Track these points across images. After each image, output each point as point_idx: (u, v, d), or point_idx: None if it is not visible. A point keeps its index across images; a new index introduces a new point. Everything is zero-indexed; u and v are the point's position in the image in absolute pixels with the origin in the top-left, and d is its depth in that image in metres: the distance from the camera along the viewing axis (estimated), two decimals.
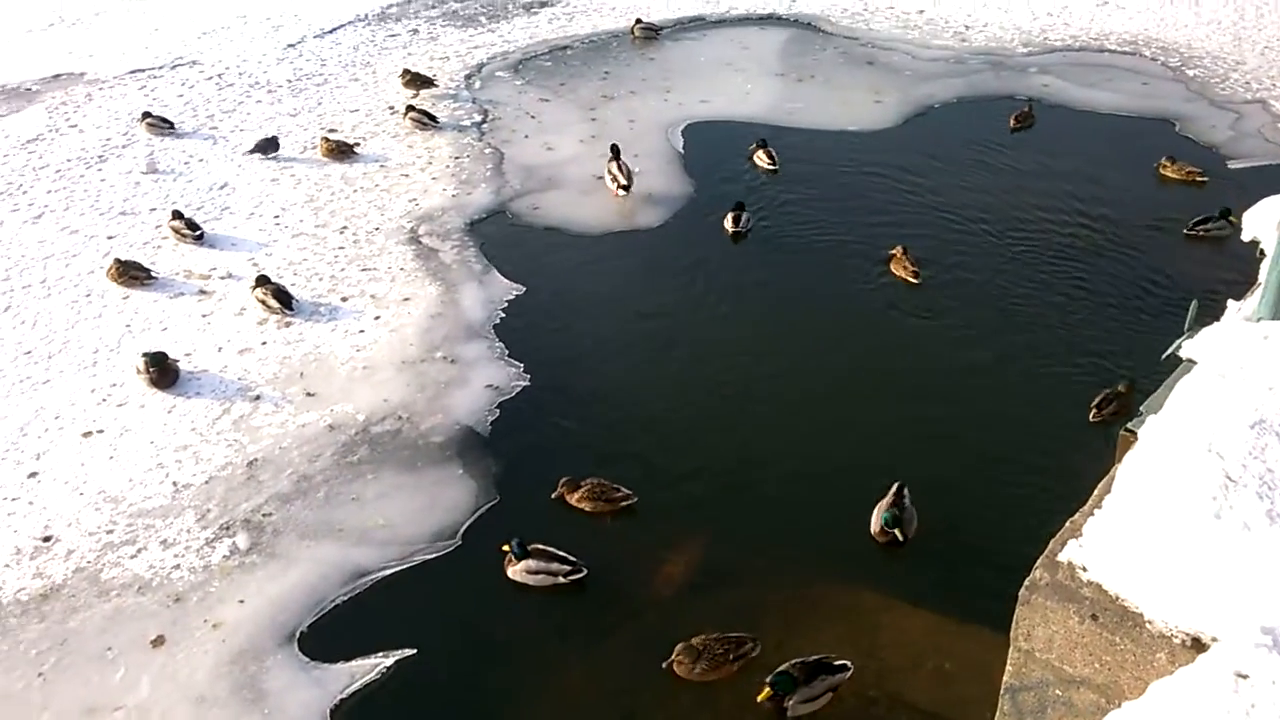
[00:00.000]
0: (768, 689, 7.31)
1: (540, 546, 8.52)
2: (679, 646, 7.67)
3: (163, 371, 10.52)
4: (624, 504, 9.21)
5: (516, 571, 8.45)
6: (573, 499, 9.16)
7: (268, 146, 15.19)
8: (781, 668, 7.44)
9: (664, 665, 7.64)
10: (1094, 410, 10.16)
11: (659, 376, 10.98)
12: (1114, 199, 14.34)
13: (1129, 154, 15.62)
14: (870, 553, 8.77)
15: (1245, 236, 7.01)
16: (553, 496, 9.15)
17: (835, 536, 8.93)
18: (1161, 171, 14.95)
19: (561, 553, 8.52)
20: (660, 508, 9.26)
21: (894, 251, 12.77)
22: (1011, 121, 16.36)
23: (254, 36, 20.06)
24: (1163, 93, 17.64)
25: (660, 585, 8.54)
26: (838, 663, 7.56)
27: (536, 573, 8.42)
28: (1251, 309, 5.22)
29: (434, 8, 21.73)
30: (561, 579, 8.43)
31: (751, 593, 8.41)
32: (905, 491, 8.95)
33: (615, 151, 14.45)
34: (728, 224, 13.57)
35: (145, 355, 10.58)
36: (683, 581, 8.58)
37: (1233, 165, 15.24)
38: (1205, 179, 14.72)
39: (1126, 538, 4.08)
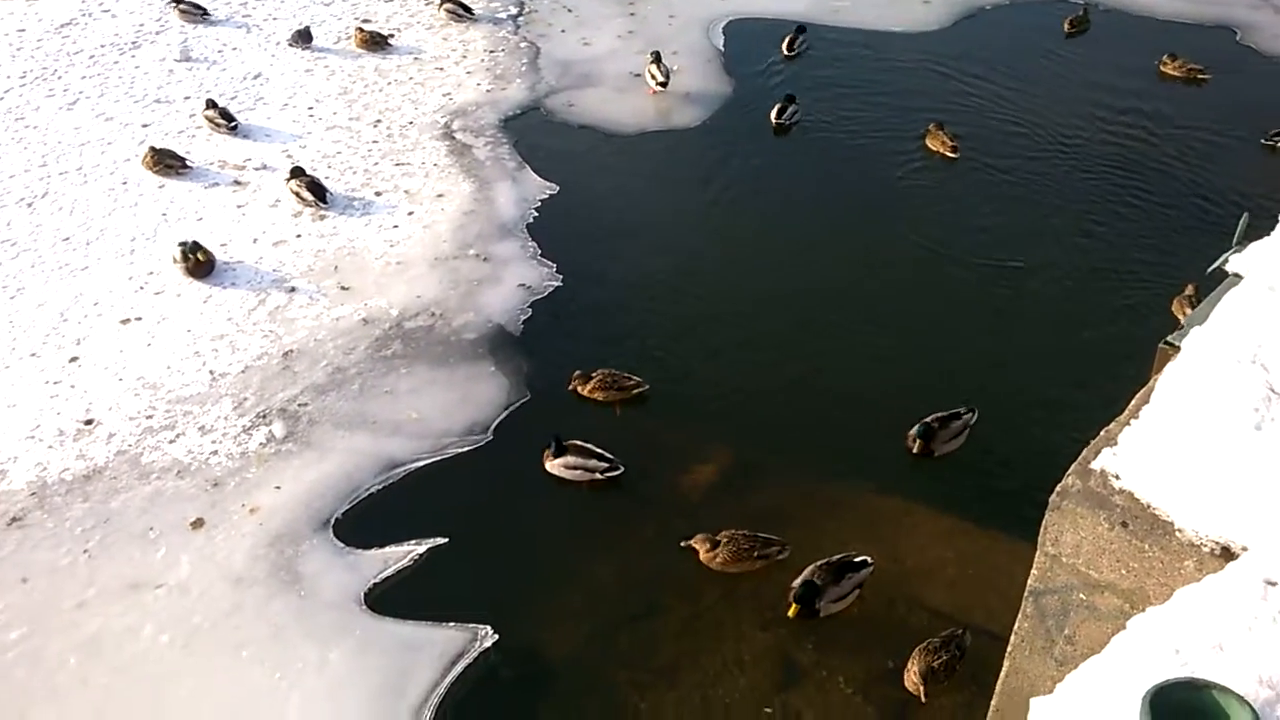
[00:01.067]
0: (794, 605, 7.38)
1: (578, 443, 8.63)
2: (699, 535, 7.82)
3: (199, 261, 10.59)
4: (636, 391, 9.33)
5: (555, 466, 8.58)
6: (585, 390, 9.26)
7: (302, 38, 14.94)
8: (803, 575, 7.55)
9: (681, 544, 7.78)
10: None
11: (693, 278, 10.93)
12: (1162, 108, 13.89)
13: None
14: (901, 460, 8.80)
15: None
16: (568, 389, 9.24)
17: (866, 442, 8.97)
18: (1161, 69, 14.66)
19: (598, 449, 8.62)
20: (693, 409, 9.32)
21: (929, 128, 12.82)
22: (1065, 25, 15.79)
23: None
24: None
25: (689, 486, 8.65)
26: (858, 559, 7.67)
27: (574, 468, 8.55)
28: None
29: None
30: (598, 475, 8.55)
31: (778, 495, 8.50)
32: (963, 414, 8.89)
33: (656, 56, 14.14)
34: (772, 115, 13.38)
35: (182, 244, 10.65)
36: (712, 482, 8.68)
37: None
38: (1207, 76, 14.43)
39: (1162, 447, 4.05)
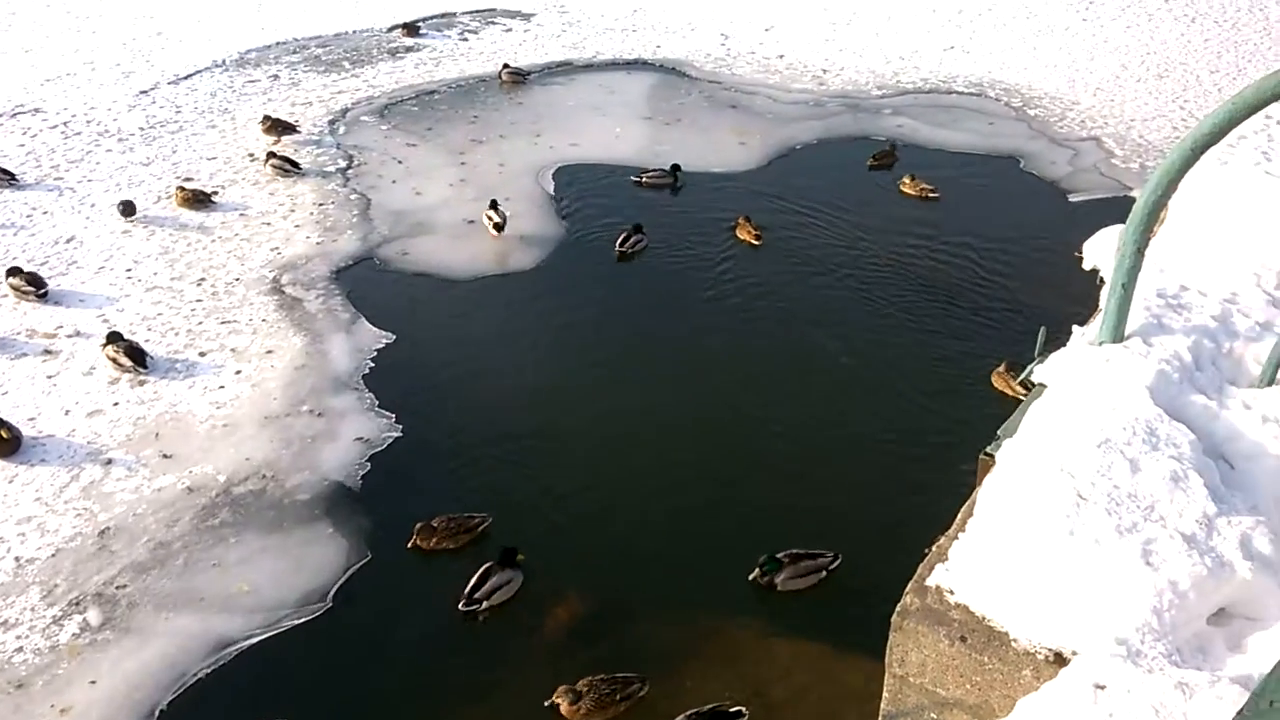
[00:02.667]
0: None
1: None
2: (560, 688, 7.55)
3: (1, 439, 9.83)
4: (482, 528, 9.12)
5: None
6: (431, 544, 8.96)
7: (126, 209, 14.16)
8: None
9: (545, 704, 7.47)
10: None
11: (536, 419, 10.85)
12: (967, 230, 15.01)
13: (979, 189, 16.42)
14: (751, 593, 8.78)
15: (1086, 265, 7.38)
16: (409, 547, 8.90)
17: (714, 577, 8.91)
18: (901, 188, 16.14)
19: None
20: (541, 554, 9.08)
21: (739, 220, 14.47)
22: (869, 160, 17.01)
23: (103, 83, 19.26)
24: (1007, 131, 18.62)
25: (547, 632, 8.37)
26: (732, 710, 7.53)
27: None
28: (1094, 333, 5.47)
29: (295, 53, 21.33)
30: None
31: (635, 635, 8.32)
32: (823, 557, 8.91)
33: (493, 203, 14.43)
34: (616, 243, 14.04)
35: None
36: (567, 628, 8.43)
37: (1073, 199, 16.15)
38: (937, 194, 15.92)
39: (989, 559, 4.17)
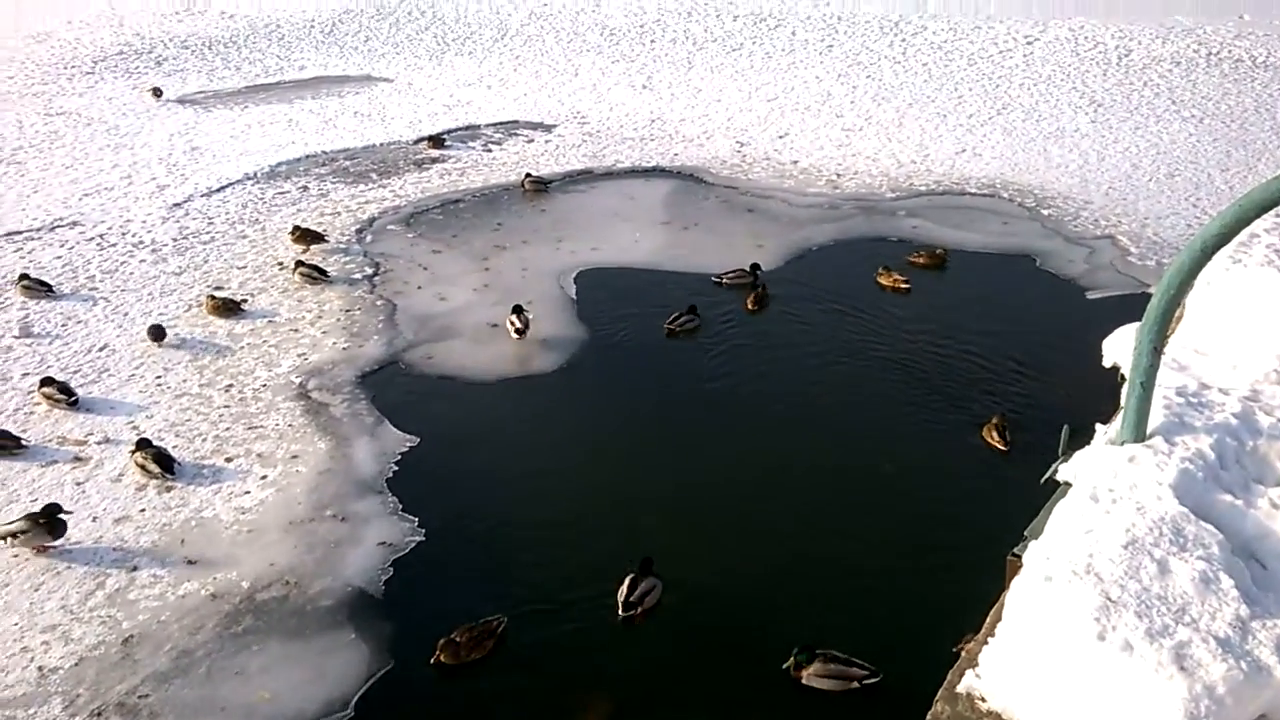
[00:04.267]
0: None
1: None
2: None
3: (52, 525, 10.00)
4: (500, 629, 9.08)
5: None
6: (459, 658, 8.80)
7: (156, 335, 14.12)
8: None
9: None
10: (997, 438, 11.98)
11: (556, 524, 10.82)
12: (986, 328, 15.10)
13: (996, 287, 16.59)
14: (784, 699, 8.62)
15: (1106, 363, 7.41)
16: (433, 663, 8.78)
17: (745, 681, 8.77)
18: (878, 279, 16.47)
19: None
20: (565, 663, 8.97)
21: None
22: (920, 258, 17.41)
23: (138, 197, 19.92)
24: (1022, 231, 18.88)
25: None
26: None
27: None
28: (1115, 432, 5.48)
29: (324, 165, 22.04)
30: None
31: None
32: (859, 670, 8.75)
33: (516, 308, 14.70)
34: (667, 321, 14.85)
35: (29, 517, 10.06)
36: None
37: (1091, 296, 16.26)
38: (909, 286, 16.26)
39: (1019, 664, 4.13)
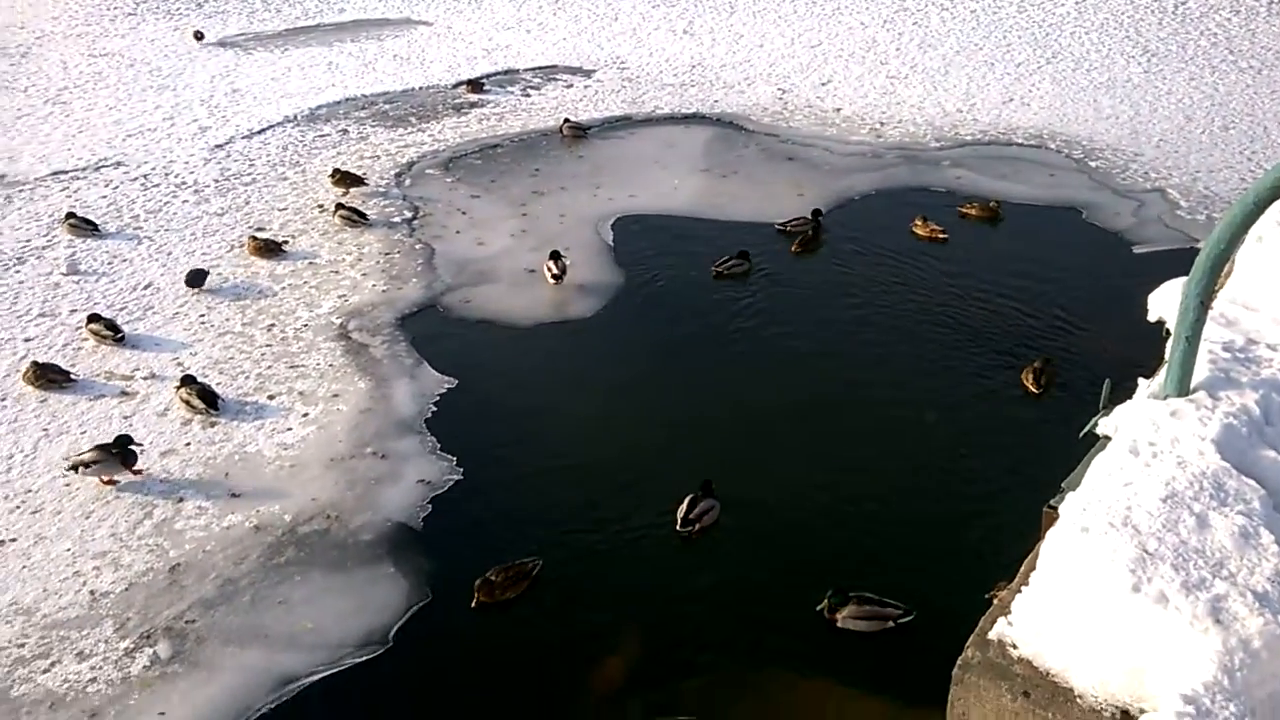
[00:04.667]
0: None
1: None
2: None
3: (124, 456, 10.33)
4: (535, 571, 9.20)
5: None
6: (496, 596, 8.97)
7: (195, 279, 14.20)
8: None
9: None
10: (1031, 381, 12.00)
11: (590, 463, 10.95)
12: (1030, 281, 14.91)
13: (1041, 240, 16.33)
14: (813, 639, 8.74)
15: (1151, 317, 7.32)
16: (474, 606, 8.93)
17: (778, 617, 8.90)
18: (914, 230, 16.31)
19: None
20: (597, 600, 9.14)
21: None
22: (971, 210, 17.05)
23: (181, 138, 20.06)
24: (1069, 183, 18.52)
25: (599, 681, 8.38)
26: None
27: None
28: (1158, 386, 5.43)
29: (364, 109, 22.03)
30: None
31: (693, 683, 8.30)
32: (893, 609, 8.87)
33: (554, 254, 14.72)
34: (715, 264, 14.92)
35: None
36: (622, 674, 8.43)
37: (1138, 250, 15.97)
38: (946, 236, 16.06)
39: (1053, 613, 4.14)
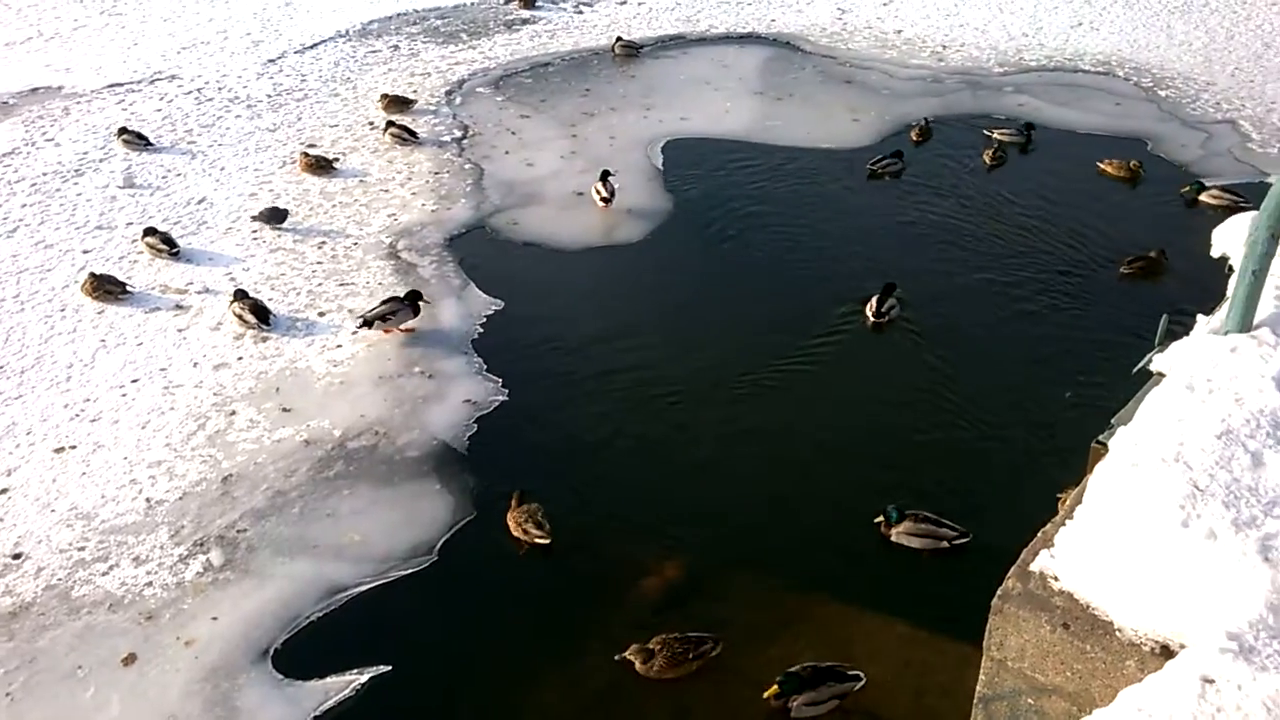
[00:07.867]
0: (775, 687, 7.38)
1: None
2: (633, 646, 7.70)
3: (415, 307, 11.44)
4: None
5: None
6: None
7: (274, 217, 13.74)
8: (792, 669, 7.48)
9: (615, 659, 7.64)
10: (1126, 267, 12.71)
11: (636, 391, 10.97)
12: (1080, 217, 14.50)
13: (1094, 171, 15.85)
14: (844, 567, 8.79)
15: (1214, 253, 7.08)
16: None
17: (810, 550, 8.96)
18: (1104, 170, 15.69)
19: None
20: (633, 523, 9.24)
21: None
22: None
23: (234, 52, 20.04)
24: (1136, 113, 17.88)
25: (637, 599, 8.51)
26: (850, 672, 7.60)
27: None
28: (1219, 322, 5.28)
29: (415, 24, 21.81)
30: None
31: (726, 604, 8.41)
32: (949, 531, 8.90)
33: (603, 175, 14.54)
34: (869, 163, 15.32)
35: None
36: (660, 594, 8.56)
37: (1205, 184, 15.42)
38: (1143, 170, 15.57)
39: (1097, 547, 4.10)
